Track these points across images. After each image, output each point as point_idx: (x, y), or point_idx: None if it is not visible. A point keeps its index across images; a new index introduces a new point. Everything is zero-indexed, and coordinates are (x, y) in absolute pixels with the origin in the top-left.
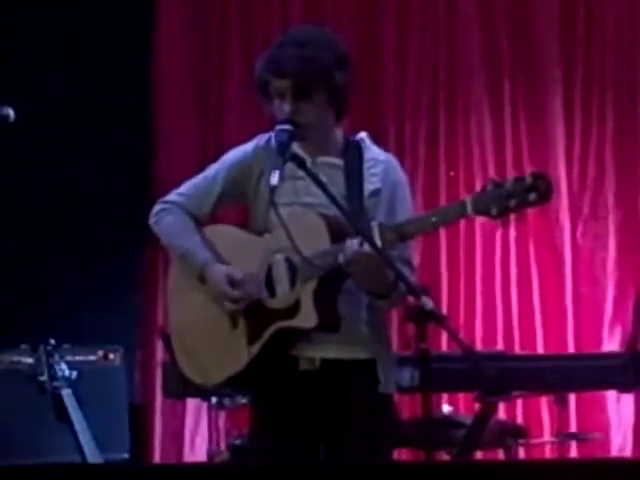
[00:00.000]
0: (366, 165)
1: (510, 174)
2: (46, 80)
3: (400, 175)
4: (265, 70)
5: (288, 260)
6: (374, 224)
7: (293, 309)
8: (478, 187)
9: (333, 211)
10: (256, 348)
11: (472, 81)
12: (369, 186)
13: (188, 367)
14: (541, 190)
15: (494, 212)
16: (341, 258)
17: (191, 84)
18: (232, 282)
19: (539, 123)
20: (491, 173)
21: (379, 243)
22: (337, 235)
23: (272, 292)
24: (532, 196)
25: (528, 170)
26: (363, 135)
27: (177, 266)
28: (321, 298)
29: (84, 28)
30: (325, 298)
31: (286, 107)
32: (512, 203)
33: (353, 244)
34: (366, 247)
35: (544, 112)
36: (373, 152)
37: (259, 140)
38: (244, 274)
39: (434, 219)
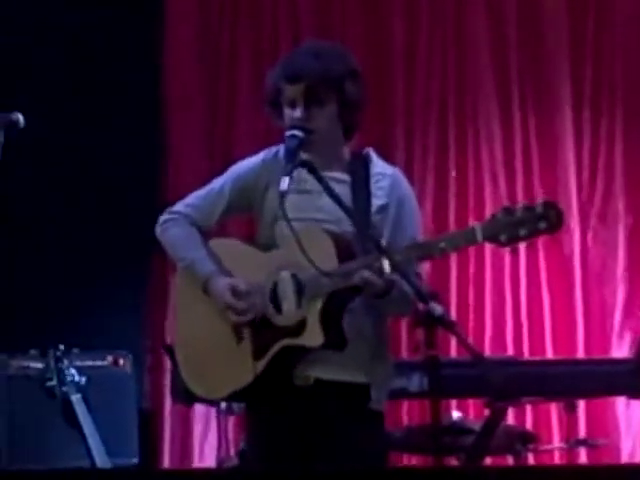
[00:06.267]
0: (373, 180)
1: (520, 183)
2: (54, 86)
3: (406, 189)
4: (278, 77)
5: (294, 277)
6: (381, 255)
7: (299, 327)
8: (487, 199)
9: (340, 228)
10: (262, 365)
11: (481, 92)
12: (376, 201)
13: (192, 380)
14: (551, 219)
15: (503, 240)
16: (353, 281)
17: (201, 95)
18: (236, 293)
19: (549, 129)
20: (501, 182)
21: (387, 269)
22: (344, 253)
23: (278, 308)
24: (542, 225)
25: (537, 179)
26: (369, 149)
27: (182, 278)
28: (328, 317)
29: (94, 34)
30: (332, 317)
31: (297, 112)
32: (522, 232)
33: (363, 272)
34: (375, 271)
35: (553, 119)
36: (379, 166)
37: (267, 153)
38: (248, 285)
39: (442, 244)
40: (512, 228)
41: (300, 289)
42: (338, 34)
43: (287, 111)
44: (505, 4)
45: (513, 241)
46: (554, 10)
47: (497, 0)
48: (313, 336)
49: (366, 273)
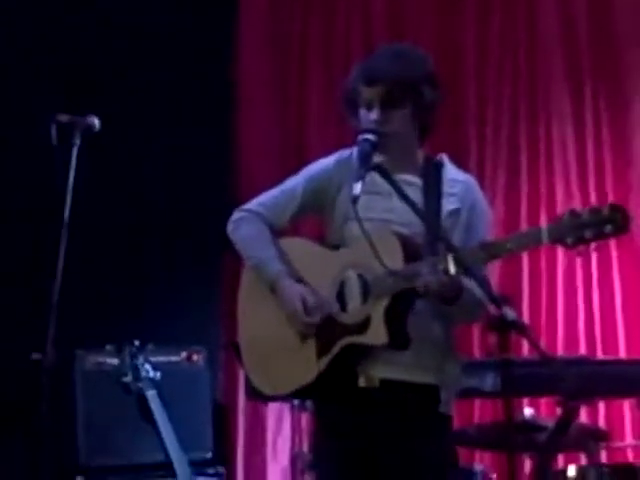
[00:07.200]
0: (445, 185)
1: (592, 182)
2: (124, 85)
3: (479, 194)
4: (357, 79)
5: (361, 277)
6: (449, 255)
7: (363, 325)
8: (559, 200)
9: (410, 230)
10: (325, 362)
11: (553, 91)
12: (448, 206)
13: (257, 377)
14: (618, 222)
15: (569, 242)
16: (417, 282)
17: (272, 98)
18: (306, 306)
19: (622, 129)
20: (573, 182)
21: (453, 270)
22: (410, 254)
23: (343, 307)
24: (608, 228)
25: (610, 178)
26: (443, 156)
27: (249, 275)
28: (392, 316)
29: (173, 48)
30: (396, 316)
31: (373, 115)
32: (588, 234)
33: (427, 273)
34: (440, 272)
35: (627, 119)
36: (452, 172)
37: (341, 154)
38: (318, 299)
39: (509, 245)
40: (578, 230)
41: (366, 289)
42: (411, 35)
43: (363, 112)
44: (576, 6)
45: (579, 243)
46: (627, 8)
47: (568, 2)
48: (377, 334)
49: (429, 277)
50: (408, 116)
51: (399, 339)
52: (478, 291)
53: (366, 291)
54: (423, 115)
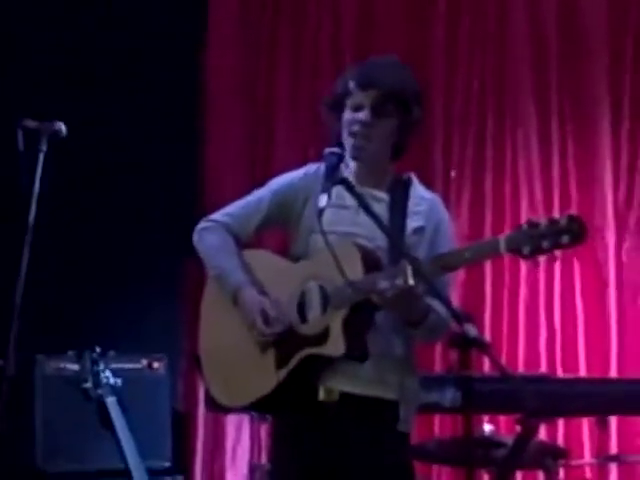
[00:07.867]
0: (411, 202)
1: (557, 196)
2: (92, 92)
3: (444, 214)
4: (350, 81)
5: (322, 287)
6: (406, 265)
7: (322, 336)
8: (524, 213)
9: (374, 244)
10: (283, 373)
11: (520, 105)
12: (412, 223)
13: (216, 388)
14: (575, 233)
15: (526, 252)
16: (375, 292)
17: (240, 108)
18: (266, 318)
19: (586, 142)
20: (537, 196)
21: (411, 281)
22: (370, 266)
23: (303, 318)
24: (565, 238)
25: (574, 192)
26: (411, 174)
27: (212, 286)
28: (350, 326)
29: (137, 44)
30: (354, 327)
31: (361, 115)
32: (545, 244)
33: (384, 283)
34: (398, 283)
35: (591, 131)
36: (419, 190)
37: (308, 168)
38: (279, 311)
39: (467, 254)
40: (535, 240)
41: (326, 299)
42: (380, 42)
43: (348, 114)
44: (545, 18)
45: (535, 253)
46: (594, 22)
47: (537, 14)
48: (335, 345)
49: (386, 287)
50: (391, 129)
51: (357, 350)
52: (442, 310)
53: (326, 302)
54: (405, 132)
